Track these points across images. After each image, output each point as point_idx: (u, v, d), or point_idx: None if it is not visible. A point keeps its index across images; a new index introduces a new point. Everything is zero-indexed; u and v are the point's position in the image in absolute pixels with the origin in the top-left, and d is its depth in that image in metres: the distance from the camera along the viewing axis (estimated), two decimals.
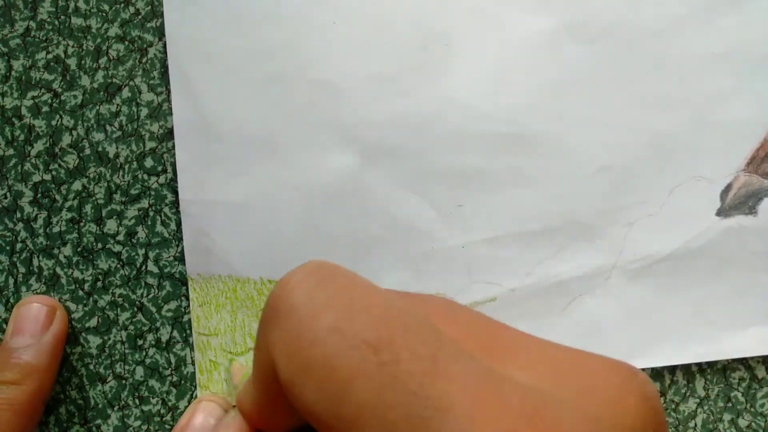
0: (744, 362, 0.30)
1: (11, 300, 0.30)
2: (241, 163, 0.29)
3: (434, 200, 0.29)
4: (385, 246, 0.30)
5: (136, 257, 0.30)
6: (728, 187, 0.30)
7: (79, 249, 0.30)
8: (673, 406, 0.31)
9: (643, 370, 0.30)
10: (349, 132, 0.29)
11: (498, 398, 0.11)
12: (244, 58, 0.29)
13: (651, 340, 0.30)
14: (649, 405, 0.13)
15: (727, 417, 0.30)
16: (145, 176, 0.30)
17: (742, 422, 0.30)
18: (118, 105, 0.30)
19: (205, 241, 0.29)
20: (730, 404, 0.31)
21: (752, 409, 0.30)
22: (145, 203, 0.30)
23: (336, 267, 0.14)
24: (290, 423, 0.16)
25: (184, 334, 0.30)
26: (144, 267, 0.30)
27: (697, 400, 0.31)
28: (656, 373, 0.30)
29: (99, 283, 0.30)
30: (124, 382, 0.30)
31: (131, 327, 0.30)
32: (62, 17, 0.30)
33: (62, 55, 0.30)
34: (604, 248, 0.30)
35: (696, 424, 0.30)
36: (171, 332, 0.30)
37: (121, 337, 0.30)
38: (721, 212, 0.30)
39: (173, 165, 0.30)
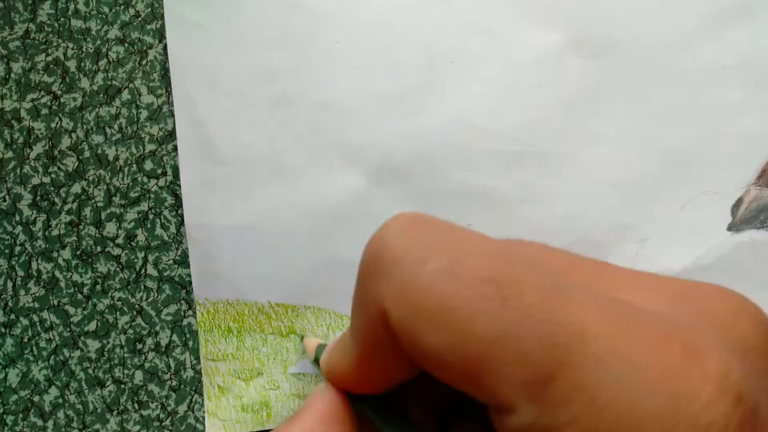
0: None
1: (9, 303, 0.30)
2: (247, 186, 0.29)
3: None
4: None
5: (136, 260, 0.30)
6: (739, 202, 0.29)
7: (78, 252, 0.30)
8: None
9: None
10: (355, 153, 0.29)
11: (632, 318, 0.11)
12: (248, 81, 0.29)
13: None
14: (764, 328, 0.13)
15: None
16: (145, 179, 0.30)
17: None
18: (117, 107, 0.30)
19: (212, 265, 0.29)
20: None
21: None
22: (144, 206, 0.30)
23: (429, 216, 0.14)
24: (391, 379, 0.15)
25: (184, 338, 0.30)
26: (143, 270, 0.30)
27: None
28: None
29: (98, 287, 0.30)
30: (123, 386, 0.30)
31: (130, 331, 0.30)
32: (62, 19, 0.30)
33: (62, 58, 0.30)
34: None
35: None
36: (170, 336, 0.30)
37: (120, 341, 0.30)
38: (733, 227, 0.29)
39: (173, 167, 0.30)
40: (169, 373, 0.30)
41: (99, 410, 0.30)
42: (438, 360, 0.12)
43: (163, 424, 0.30)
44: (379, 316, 0.13)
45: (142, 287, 0.30)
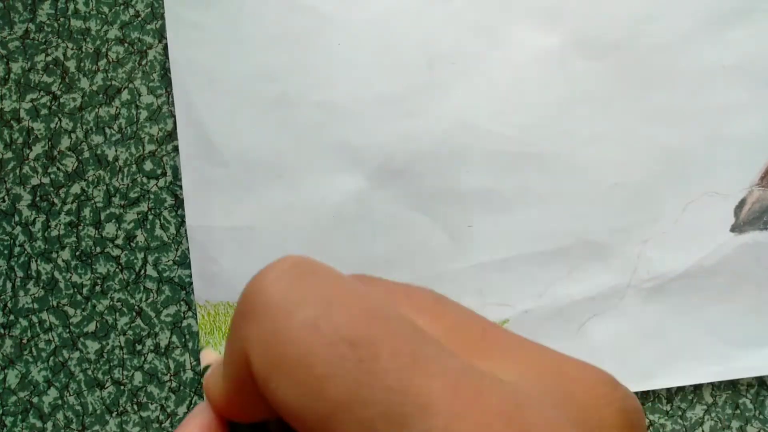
0: None
1: (9, 304, 0.30)
2: (247, 187, 0.29)
3: (443, 221, 0.29)
4: (393, 268, 0.29)
5: (135, 261, 0.30)
6: (742, 203, 0.29)
7: (77, 253, 0.30)
8: (680, 413, 0.30)
9: (659, 390, 0.29)
10: (355, 154, 0.29)
11: (478, 395, 0.11)
12: (249, 82, 0.29)
13: (666, 360, 0.29)
14: (627, 418, 0.13)
15: (735, 424, 0.30)
16: (145, 179, 0.30)
17: (751, 429, 0.30)
18: (117, 107, 0.30)
19: (213, 267, 0.29)
20: (738, 411, 0.30)
21: (761, 416, 0.30)
22: (144, 207, 0.30)
23: (315, 262, 0.14)
24: (259, 415, 0.15)
25: (183, 340, 0.30)
26: (143, 271, 0.30)
27: (705, 407, 0.30)
28: None
29: (98, 288, 0.30)
30: (122, 387, 0.30)
31: (130, 332, 0.30)
32: (62, 19, 0.30)
33: (61, 58, 0.30)
34: (618, 267, 0.29)
35: (703, 431, 0.30)
36: (170, 337, 0.30)
37: (119, 342, 0.30)
38: (736, 228, 0.29)
39: (173, 168, 0.30)
40: (169, 374, 0.30)
41: (98, 411, 0.30)
42: (291, 413, 0.12)
43: (163, 425, 0.30)
44: (243, 359, 0.13)
45: (142, 288, 0.30)
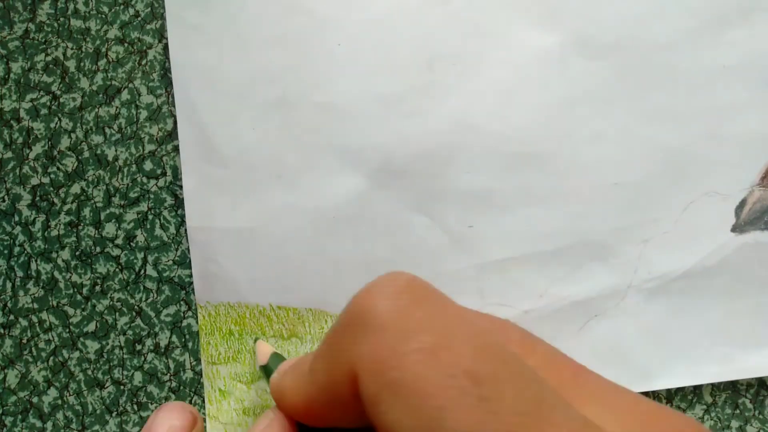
0: None
1: (9, 304, 0.30)
2: (248, 188, 0.29)
3: (444, 222, 0.29)
4: (394, 269, 0.29)
5: (135, 261, 0.30)
6: (743, 203, 0.29)
7: (77, 253, 0.30)
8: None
9: (659, 391, 0.29)
10: (355, 154, 0.29)
11: None
12: (249, 83, 0.29)
13: (667, 361, 0.29)
14: None
15: (735, 424, 0.30)
16: (144, 179, 0.30)
17: (751, 429, 0.30)
18: (117, 107, 0.30)
19: (213, 268, 0.29)
20: (737, 411, 0.30)
21: (761, 416, 0.30)
22: (144, 206, 0.30)
23: (427, 285, 0.14)
24: (339, 424, 0.15)
25: (183, 339, 0.30)
26: (143, 271, 0.30)
27: (704, 407, 0.30)
28: None
29: (97, 288, 0.30)
30: (122, 387, 0.30)
31: (130, 332, 0.30)
32: (61, 19, 0.30)
33: (61, 57, 0.30)
34: (619, 267, 0.29)
35: None
36: (170, 337, 0.30)
37: (119, 342, 0.30)
38: (737, 228, 0.29)
39: (172, 168, 0.30)
40: (169, 374, 0.30)
41: (98, 411, 0.30)
42: None
43: None
44: (348, 375, 0.13)
45: (142, 288, 0.30)
